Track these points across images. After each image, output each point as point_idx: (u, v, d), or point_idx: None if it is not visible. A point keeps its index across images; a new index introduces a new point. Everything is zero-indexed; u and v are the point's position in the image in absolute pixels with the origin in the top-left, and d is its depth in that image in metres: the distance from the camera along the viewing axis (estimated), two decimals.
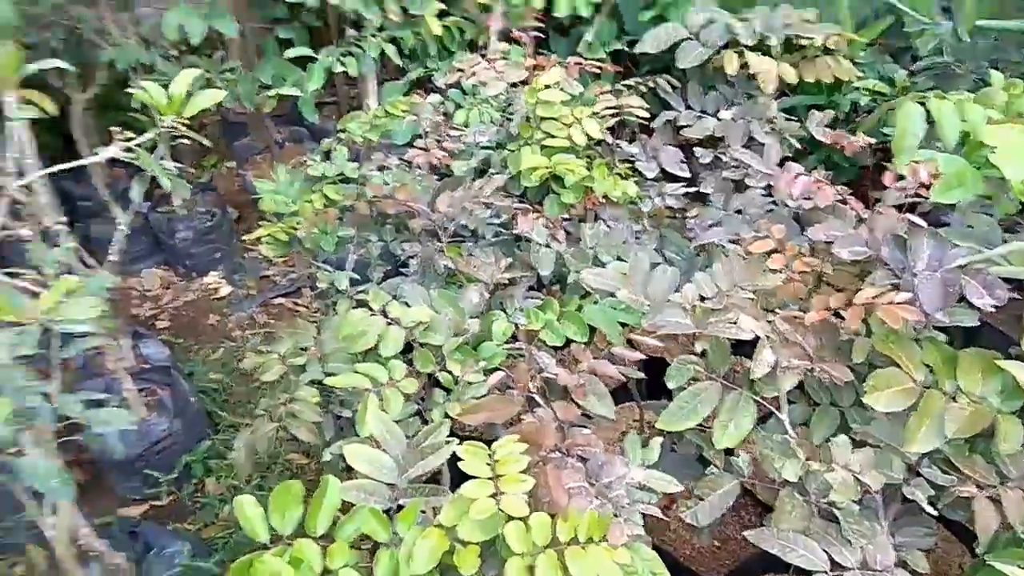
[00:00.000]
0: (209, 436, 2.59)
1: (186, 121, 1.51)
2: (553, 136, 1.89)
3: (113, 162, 1.55)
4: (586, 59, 2.08)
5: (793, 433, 1.28)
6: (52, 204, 2.00)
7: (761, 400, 1.29)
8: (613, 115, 1.99)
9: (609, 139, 2.01)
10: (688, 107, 2.25)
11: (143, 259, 3.59)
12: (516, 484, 1.03)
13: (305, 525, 1.10)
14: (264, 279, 3.57)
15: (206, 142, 1.71)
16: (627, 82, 2.20)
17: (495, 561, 1.04)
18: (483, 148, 2.12)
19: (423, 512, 1.12)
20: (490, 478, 1.04)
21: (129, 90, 1.74)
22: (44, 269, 1.54)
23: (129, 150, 1.50)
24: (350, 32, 3.06)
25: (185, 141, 1.56)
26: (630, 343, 1.45)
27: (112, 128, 1.55)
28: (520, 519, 1.01)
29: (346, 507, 1.12)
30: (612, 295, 1.42)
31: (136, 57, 2.85)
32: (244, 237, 3.23)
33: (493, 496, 1.01)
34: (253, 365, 1.66)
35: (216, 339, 3.18)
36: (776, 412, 1.30)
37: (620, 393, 1.67)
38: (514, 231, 1.81)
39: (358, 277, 1.95)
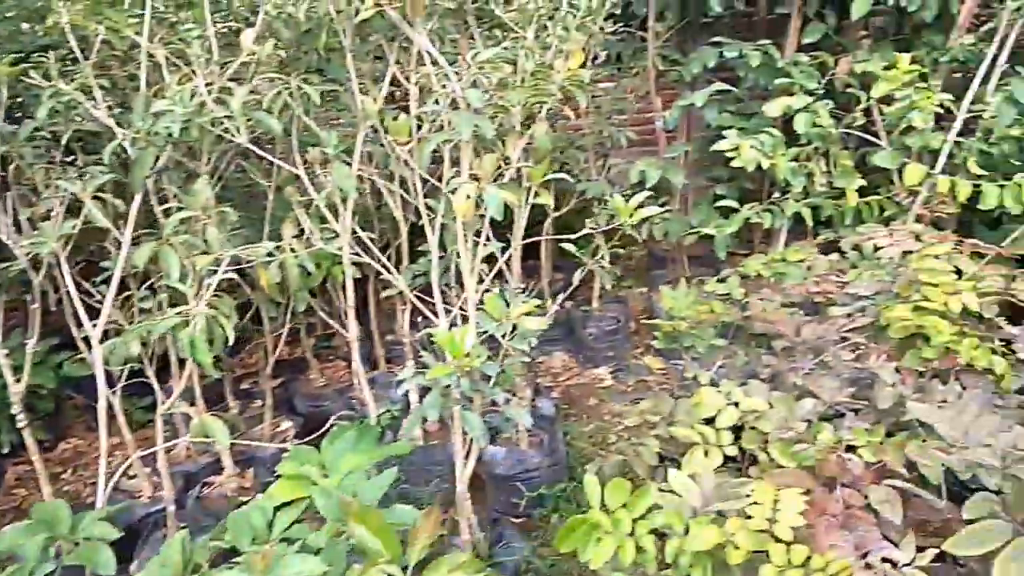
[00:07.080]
0: (564, 480, 3.16)
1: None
2: (929, 300, 2.07)
3: None
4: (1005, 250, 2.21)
5: None
6: None
7: None
8: (998, 296, 2.08)
9: (989, 315, 2.10)
10: None
11: (556, 343, 4.46)
12: (788, 518, 1.32)
13: (626, 506, 1.53)
14: (640, 382, 4.13)
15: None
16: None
17: (750, 568, 1.32)
18: (860, 298, 2.37)
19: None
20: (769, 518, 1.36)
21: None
22: None
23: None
24: (776, 195, 3.55)
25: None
26: None
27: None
28: (784, 542, 1.29)
29: None
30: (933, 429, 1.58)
31: (602, 191, 3.78)
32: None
33: (768, 521, 1.32)
34: (620, 411, 2.16)
35: (592, 417, 3.81)
36: None
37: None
38: (861, 366, 2.02)
39: (716, 378, 2.34)
